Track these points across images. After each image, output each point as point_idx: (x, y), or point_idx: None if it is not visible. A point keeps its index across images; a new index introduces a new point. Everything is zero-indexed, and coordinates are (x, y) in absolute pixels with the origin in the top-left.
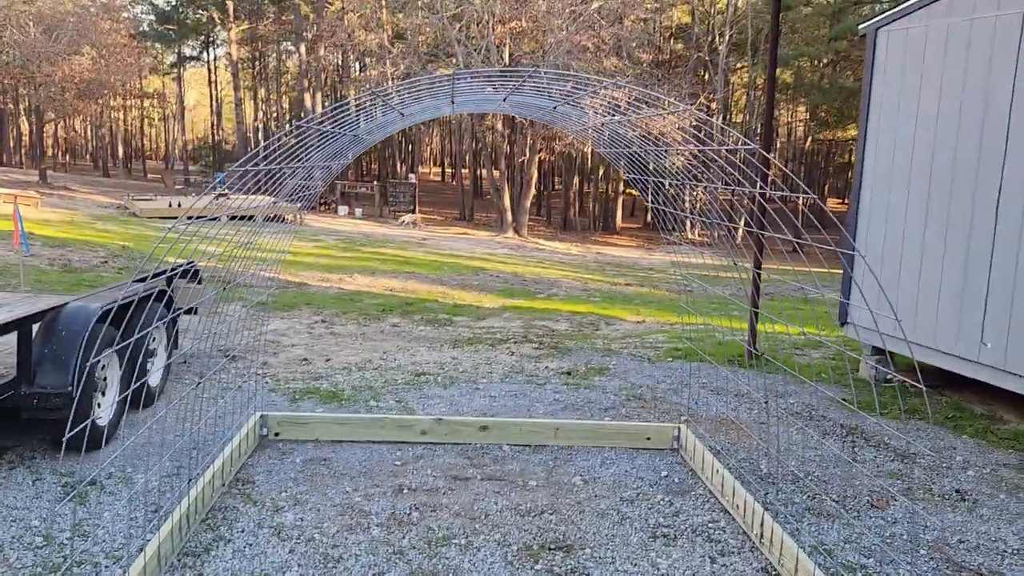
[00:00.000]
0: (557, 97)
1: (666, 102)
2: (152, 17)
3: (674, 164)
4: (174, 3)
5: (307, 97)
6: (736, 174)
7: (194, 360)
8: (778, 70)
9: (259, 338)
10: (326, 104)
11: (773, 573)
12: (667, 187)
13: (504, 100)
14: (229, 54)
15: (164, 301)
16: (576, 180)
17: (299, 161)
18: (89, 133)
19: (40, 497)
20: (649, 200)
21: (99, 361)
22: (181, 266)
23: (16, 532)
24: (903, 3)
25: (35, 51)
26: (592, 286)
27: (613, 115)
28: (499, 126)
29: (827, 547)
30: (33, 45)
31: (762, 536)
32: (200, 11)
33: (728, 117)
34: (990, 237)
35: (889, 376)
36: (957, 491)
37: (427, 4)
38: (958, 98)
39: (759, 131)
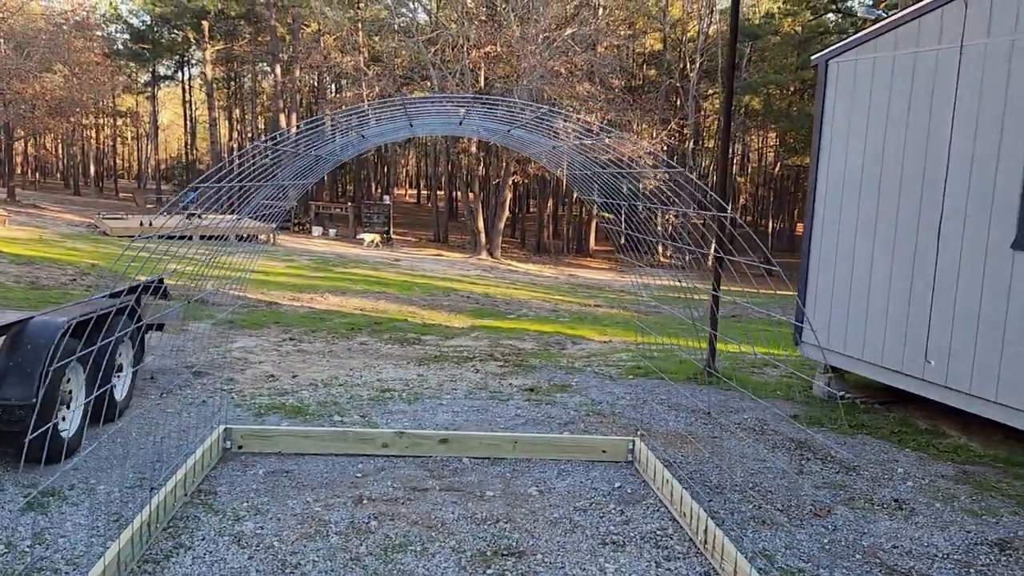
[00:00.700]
0: (524, 123)
1: (615, 136)
2: (127, 36)
3: (646, 187)
4: (149, 23)
5: (282, 118)
6: (702, 199)
7: (160, 376)
8: (747, 97)
9: (226, 355)
10: (301, 125)
11: None
12: (640, 211)
13: (460, 124)
14: (204, 74)
15: (133, 317)
16: (550, 203)
17: (266, 179)
18: (60, 151)
19: (2, 507)
20: (622, 223)
21: (63, 373)
22: (150, 282)
23: None
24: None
25: (5, 68)
26: (562, 307)
27: (581, 139)
28: (473, 148)
29: (768, 553)
30: (3, 62)
31: (706, 542)
32: (175, 31)
33: (700, 142)
34: (933, 260)
35: (840, 394)
36: (896, 500)
37: (403, 28)
38: (903, 127)
39: (729, 156)
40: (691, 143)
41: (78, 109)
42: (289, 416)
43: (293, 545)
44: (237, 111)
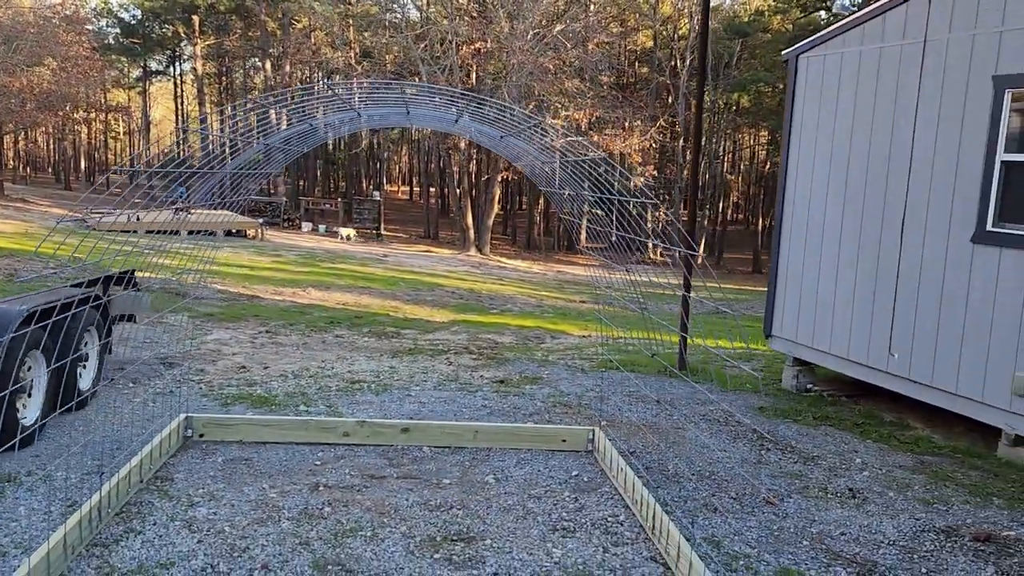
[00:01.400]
0: (512, 123)
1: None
2: (117, 30)
3: (636, 185)
4: (139, 17)
5: (272, 114)
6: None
7: (130, 366)
8: (736, 95)
9: (199, 347)
10: (292, 120)
11: (660, 561)
12: (631, 207)
13: (456, 122)
14: (195, 69)
15: (98, 307)
16: (541, 200)
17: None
18: (51, 146)
19: None
20: (614, 222)
21: (19, 359)
22: (118, 273)
23: None
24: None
25: None
26: (547, 303)
27: (565, 155)
28: (463, 145)
29: (716, 539)
30: None
31: (655, 528)
32: (166, 25)
33: (689, 139)
34: (896, 254)
35: (808, 386)
36: (850, 489)
37: (393, 24)
38: (869, 122)
39: (719, 154)
40: (681, 140)
41: (68, 103)
42: (255, 406)
43: (244, 530)
44: (228, 107)
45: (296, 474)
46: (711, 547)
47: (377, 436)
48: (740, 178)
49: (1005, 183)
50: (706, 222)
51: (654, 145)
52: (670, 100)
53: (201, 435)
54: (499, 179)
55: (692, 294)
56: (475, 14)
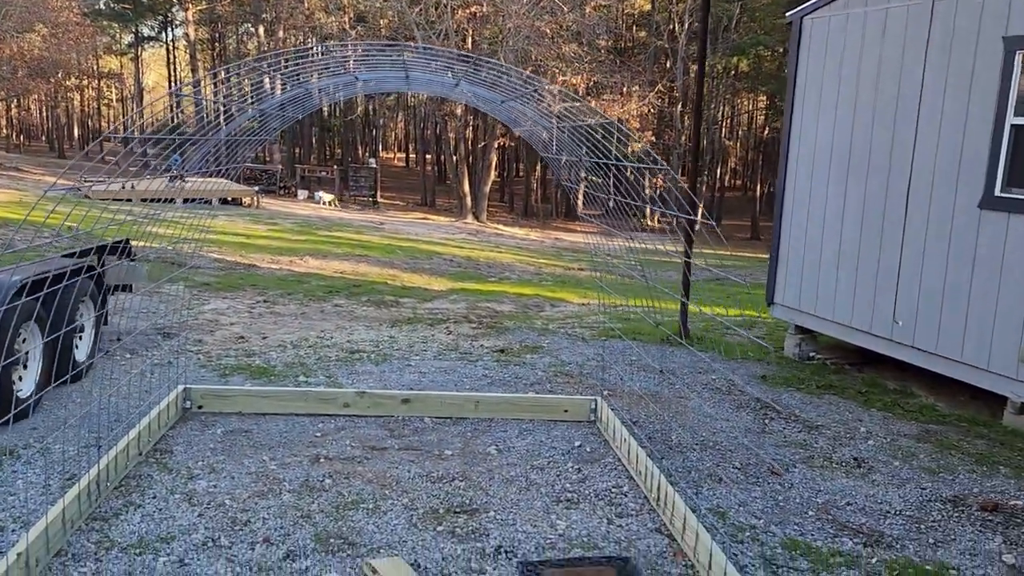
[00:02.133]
0: (511, 88)
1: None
2: None
3: (633, 151)
4: None
5: (266, 80)
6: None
7: (128, 337)
8: (736, 59)
9: (197, 317)
10: (287, 87)
11: (665, 532)
12: (628, 172)
13: (457, 86)
14: (187, 34)
15: (93, 277)
16: (538, 166)
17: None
18: (44, 114)
19: None
20: (611, 188)
21: (14, 331)
22: (113, 242)
23: None
24: None
25: None
26: (546, 271)
27: (562, 122)
28: (459, 111)
29: (721, 510)
30: None
31: (659, 499)
32: None
33: (688, 105)
34: (902, 220)
35: (811, 354)
36: (855, 459)
37: None
38: (874, 85)
39: (717, 119)
40: (680, 106)
41: (59, 70)
42: (254, 377)
43: (245, 503)
44: (222, 73)
45: (296, 446)
46: (717, 518)
47: (377, 407)
48: (738, 144)
49: (1014, 147)
50: (704, 188)
51: (652, 111)
52: (668, 65)
53: (200, 407)
54: (496, 145)
55: (693, 261)
56: None
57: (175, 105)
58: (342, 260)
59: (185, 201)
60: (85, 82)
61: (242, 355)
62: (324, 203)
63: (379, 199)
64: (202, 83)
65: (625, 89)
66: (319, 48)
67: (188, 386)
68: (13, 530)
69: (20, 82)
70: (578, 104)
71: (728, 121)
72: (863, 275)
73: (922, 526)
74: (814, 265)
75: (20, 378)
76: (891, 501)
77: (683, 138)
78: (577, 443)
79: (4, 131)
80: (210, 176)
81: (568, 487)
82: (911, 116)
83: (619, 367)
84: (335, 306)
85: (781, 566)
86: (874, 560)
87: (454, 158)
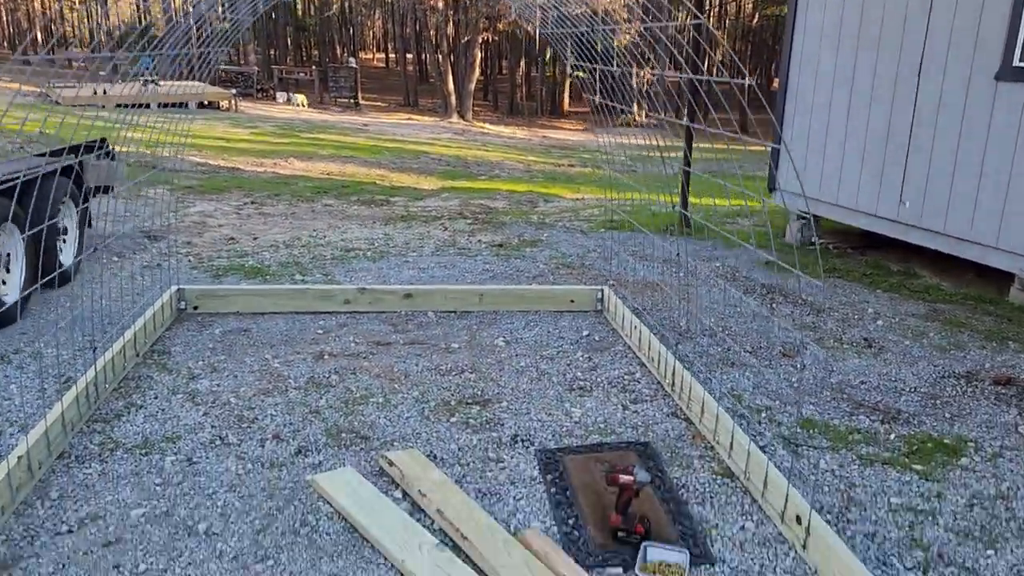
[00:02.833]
0: None
1: None
2: None
3: (621, 43)
4: None
5: None
6: (677, 55)
7: (114, 242)
8: None
9: (183, 219)
10: None
11: (682, 416)
12: (615, 67)
13: None
14: None
15: (72, 177)
16: (523, 63)
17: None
18: (5, 19)
19: None
20: (597, 89)
21: None
22: (88, 142)
23: None
24: None
25: None
26: (535, 168)
27: None
28: (440, 5)
29: (736, 392)
30: None
31: (673, 384)
32: None
33: None
34: (912, 98)
35: (812, 239)
36: (865, 339)
37: None
38: None
39: (705, 8)
40: None
41: None
42: (248, 277)
43: (250, 401)
44: None
45: (298, 343)
46: (733, 400)
47: (379, 303)
48: (725, 34)
49: None
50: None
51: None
52: None
53: (195, 307)
54: (479, 41)
55: (686, 155)
56: None
57: (141, 3)
58: (328, 162)
59: (160, 106)
60: None
61: (234, 256)
62: (297, 104)
63: (360, 100)
64: None
65: None
66: None
67: (181, 287)
68: (12, 434)
69: None
70: None
71: (716, 11)
72: (870, 156)
73: (937, 402)
74: (819, 148)
75: (3, 282)
76: (905, 379)
77: (671, 29)
78: (585, 332)
79: None
80: (183, 79)
81: (580, 375)
82: None
83: (620, 257)
84: (325, 206)
85: (800, 445)
86: (892, 436)
87: (437, 56)
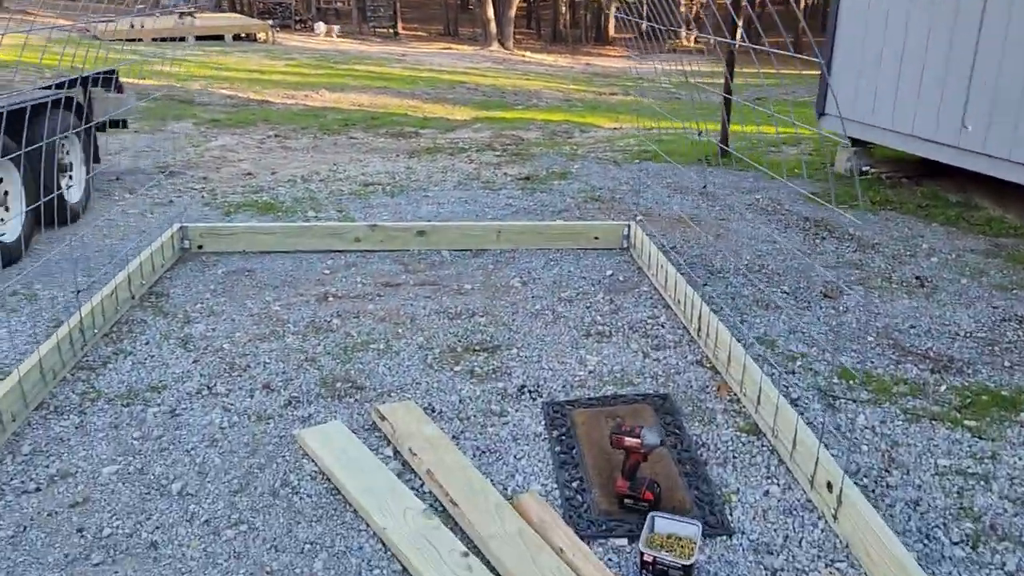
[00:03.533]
0: None
1: None
2: None
3: None
4: None
5: None
6: None
7: (127, 177)
8: None
9: (202, 154)
10: None
11: (708, 365)
12: None
13: None
14: None
15: (74, 110)
16: None
17: None
18: None
19: None
20: (644, 14)
21: None
22: (95, 74)
23: None
24: None
25: None
26: (575, 97)
27: None
28: None
29: (769, 338)
30: None
31: (699, 329)
32: None
33: None
34: (979, 13)
35: (865, 167)
36: (917, 278)
37: None
38: None
39: None
40: None
41: None
42: (260, 213)
43: (245, 347)
44: None
45: (303, 284)
46: (764, 347)
47: (391, 241)
48: None
49: None
50: (742, 2)
51: None
52: None
53: (200, 246)
54: None
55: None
56: None
57: None
58: (360, 93)
59: (198, 39)
60: None
61: (249, 191)
62: (321, 34)
63: (400, 30)
64: None
65: None
66: None
67: (185, 224)
68: None
69: None
70: None
71: None
72: (929, 77)
73: (996, 348)
74: (873, 68)
75: (2, 220)
76: (960, 322)
77: None
78: (609, 272)
79: None
80: (220, 11)
81: (599, 319)
82: None
83: (653, 191)
84: (350, 139)
85: (838, 397)
86: (943, 388)
87: None
